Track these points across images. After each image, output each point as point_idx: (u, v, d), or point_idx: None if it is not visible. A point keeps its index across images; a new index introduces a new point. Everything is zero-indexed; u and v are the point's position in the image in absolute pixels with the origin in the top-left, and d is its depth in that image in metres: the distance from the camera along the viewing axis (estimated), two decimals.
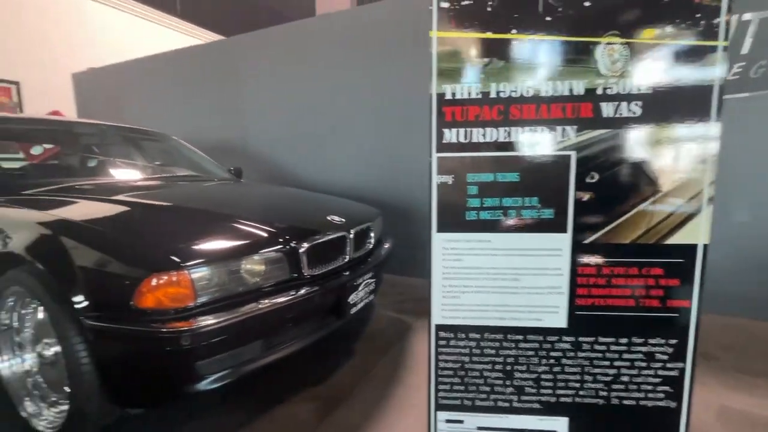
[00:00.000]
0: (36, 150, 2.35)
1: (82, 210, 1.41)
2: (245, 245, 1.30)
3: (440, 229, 0.83)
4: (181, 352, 1.09)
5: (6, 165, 1.90)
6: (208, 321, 1.11)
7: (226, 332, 1.15)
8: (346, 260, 1.64)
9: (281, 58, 3.51)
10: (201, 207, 1.52)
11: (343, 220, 1.71)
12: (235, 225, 1.39)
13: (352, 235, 1.68)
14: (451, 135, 0.80)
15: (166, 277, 1.08)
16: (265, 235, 1.37)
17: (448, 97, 0.79)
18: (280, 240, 1.37)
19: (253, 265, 1.28)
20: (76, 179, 1.89)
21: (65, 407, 1.26)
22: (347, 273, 1.61)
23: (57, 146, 2.14)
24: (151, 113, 4.35)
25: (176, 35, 8.33)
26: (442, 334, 0.86)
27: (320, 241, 1.50)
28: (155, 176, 2.25)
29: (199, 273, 1.14)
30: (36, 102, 5.99)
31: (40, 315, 1.30)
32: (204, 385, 1.17)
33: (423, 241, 2.83)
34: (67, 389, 1.23)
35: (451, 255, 0.83)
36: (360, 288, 1.67)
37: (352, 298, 1.62)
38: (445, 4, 0.75)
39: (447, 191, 0.81)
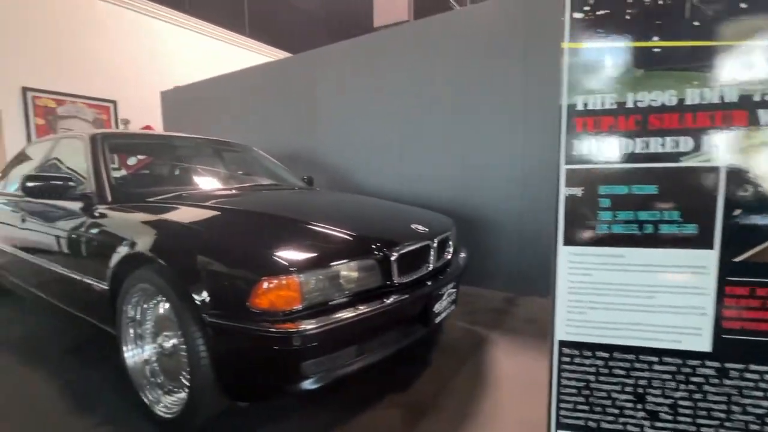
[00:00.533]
0: (131, 161, 2.64)
1: (197, 216, 1.56)
2: (343, 252, 1.35)
3: (567, 242, 0.81)
4: (291, 351, 1.16)
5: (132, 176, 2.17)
6: (315, 323, 1.17)
7: (329, 335, 1.20)
8: (429, 269, 1.65)
9: (352, 71, 3.64)
10: (295, 214, 1.61)
11: (427, 229, 1.72)
12: (331, 232, 1.46)
13: (435, 245, 1.69)
14: (581, 146, 0.78)
15: (278, 281, 1.16)
16: (360, 242, 1.42)
17: (580, 108, 0.77)
18: (373, 248, 1.42)
19: (350, 272, 1.33)
20: (186, 188, 2.10)
21: (181, 395, 1.39)
22: (431, 282, 1.62)
23: (168, 158, 2.39)
24: (228, 126, 4.69)
25: (246, 53, 8.95)
26: (566, 350, 0.84)
27: (409, 249, 1.52)
28: (245, 185, 2.43)
29: (306, 278, 1.21)
30: (130, 117, 6.72)
31: (161, 310, 1.44)
32: (306, 384, 1.23)
33: (492, 250, 2.76)
34: (183, 379, 1.36)
35: (579, 269, 0.80)
36: (444, 297, 1.67)
37: (437, 308, 1.62)
38: (579, 15, 0.74)
39: (576, 203, 0.79)
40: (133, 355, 1.54)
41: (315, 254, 1.28)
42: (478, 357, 1.95)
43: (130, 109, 6.78)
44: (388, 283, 1.42)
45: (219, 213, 1.60)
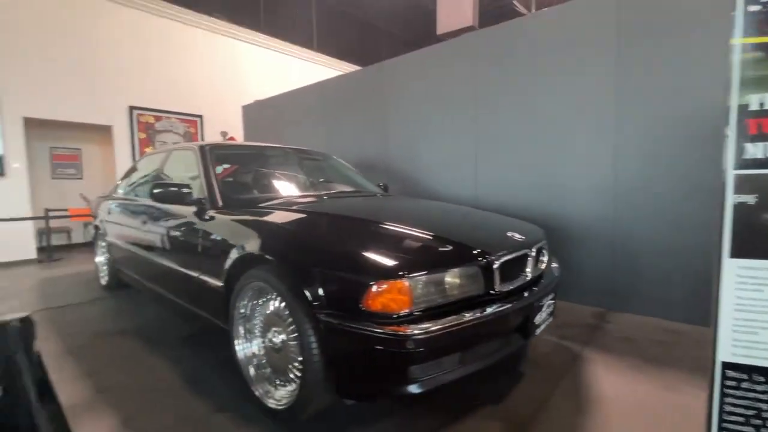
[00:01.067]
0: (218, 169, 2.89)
1: (305, 220, 1.67)
2: (448, 259, 1.36)
3: (735, 255, 0.74)
4: (402, 354, 1.18)
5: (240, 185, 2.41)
6: (425, 328, 1.18)
7: (438, 341, 1.21)
8: (527, 279, 1.60)
9: (424, 81, 3.68)
10: (397, 221, 1.65)
11: (523, 237, 1.67)
12: (434, 239, 1.48)
13: (533, 253, 1.64)
14: (756, 150, 0.71)
15: (391, 285, 1.19)
16: (462, 250, 1.42)
17: (754, 108, 0.71)
18: (476, 255, 1.41)
19: (455, 279, 1.33)
20: (283, 194, 2.27)
21: (289, 388, 1.47)
22: (530, 292, 1.57)
23: (264, 166, 2.60)
24: (305, 136, 4.96)
25: (314, 66, 9.43)
26: (731, 373, 0.76)
27: (510, 257, 1.49)
28: (333, 191, 2.55)
29: (416, 282, 1.23)
30: (212, 130, 7.38)
31: (271, 307, 1.55)
32: (412, 388, 1.25)
33: (579, 262, 2.61)
34: (291, 373, 1.44)
35: (750, 285, 0.73)
36: (543, 308, 1.61)
37: (537, 319, 1.56)
38: (755, 8, 0.68)
39: (748, 212, 0.72)
40: (243, 348, 1.67)
41: (424, 260, 1.31)
42: (574, 374, 1.84)
43: (214, 122, 7.44)
44: (490, 291, 1.40)
45: (323, 217, 1.70)
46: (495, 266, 1.41)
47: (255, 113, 6.04)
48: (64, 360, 2.09)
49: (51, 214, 5.56)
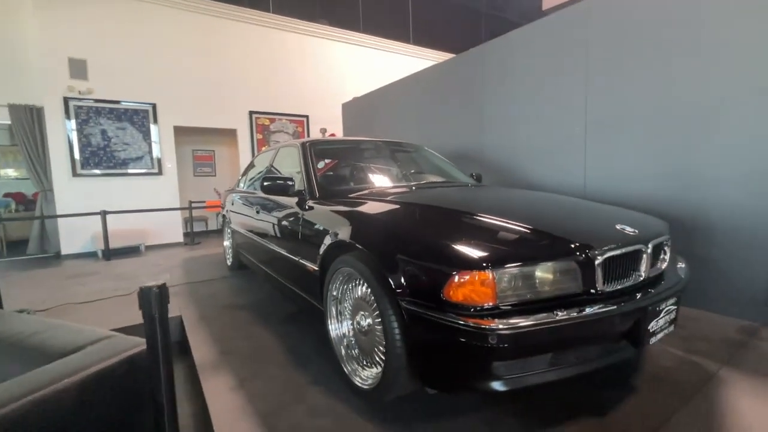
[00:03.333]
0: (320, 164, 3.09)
1: (393, 209, 1.72)
2: (539, 251, 1.26)
3: None
4: (483, 348, 1.13)
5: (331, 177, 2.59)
6: (510, 323, 1.11)
7: (525, 338, 1.13)
8: (641, 279, 1.39)
9: (520, 63, 3.41)
10: (486, 211, 1.58)
11: (636, 231, 1.45)
12: (525, 230, 1.38)
13: (649, 250, 1.41)
14: None
15: (472, 275, 1.15)
16: (558, 242, 1.30)
17: None
18: (573, 249, 1.27)
19: (547, 273, 1.22)
20: (375, 185, 2.36)
21: (374, 370, 1.53)
22: (643, 294, 1.36)
23: (358, 159, 2.75)
24: (401, 128, 5.05)
25: (411, 59, 9.49)
26: None
27: (616, 253, 1.31)
28: (425, 182, 2.56)
29: (500, 275, 1.16)
30: (318, 128, 7.99)
31: (358, 292, 1.63)
32: (496, 385, 1.19)
33: (721, 265, 2.15)
34: (376, 356, 1.49)
35: None
36: (661, 314, 1.38)
37: (653, 326, 1.35)
38: None
39: None
40: (335, 329, 1.80)
41: (510, 251, 1.23)
42: (708, 396, 1.54)
43: (318, 120, 8.05)
44: (591, 290, 1.25)
45: (411, 207, 1.72)
46: (597, 262, 1.25)
47: (353, 110, 6.35)
48: (200, 325, 2.51)
49: (194, 206, 6.71)
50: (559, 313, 1.15)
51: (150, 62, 6.24)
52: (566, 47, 3.04)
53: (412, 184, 2.49)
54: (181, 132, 6.89)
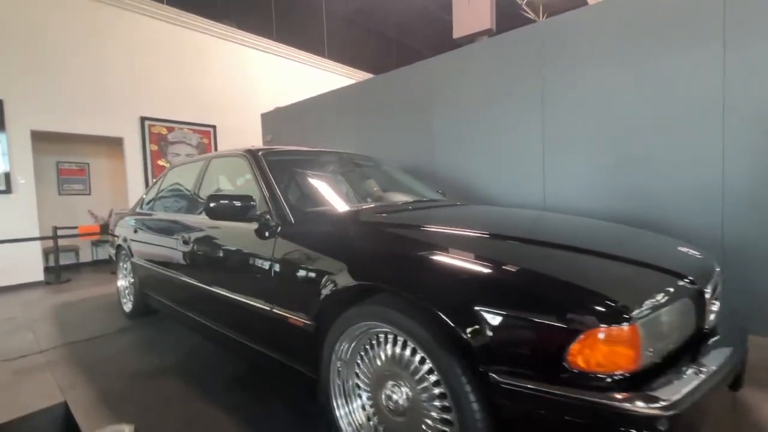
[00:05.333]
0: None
1: (439, 240, 1.30)
2: (670, 291, 0.99)
3: None
4: None
5: None
6: (682, 394, 0.81)
7: (696, 414, 0.84)
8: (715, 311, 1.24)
9: (474, 77, 3.36)
10: (563, 239, 1.29)
11: (703, 257, 1.32)
12: (633, 265, 1.11)
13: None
14: None
15: (613, 332, 0.83)
16: (671, 277, 1.06)
17: None
18: (689, 283, 1.04)
19: (673, 316, 0.97)
20: (358, 204, 1.91)
21: None
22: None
23: (322, 174, 2.25)
24: (335, 141, 4.62)
25: (326, 74, 9.16)
26: None
27: (715, 284, 1.13)
28: (413, 200, 2.20)
29: (647, 325, 0.87)
30: (226, 141, 7.05)
31: (387, 353, 1.19)
32: None
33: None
34: None
35: None
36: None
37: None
38: None
39: None
40: (347, 411, 1.30)
41: (644, 294, 0.94)
42: None
43: (228, 132, 7.12)
44: (700, 329, 1.04)
45: (462, 236, 1.34)
46: (707, 295, 1.05)
47: (275, 121, 5.71)
48: (102, 413, 1.71)
49: (60, 232, 5.19)
50: (704, 368, 0.90)
51: None
52: (522, 65, 3.06)
53: (404, 202, 2.13)
54: (41, 139, 5.35)
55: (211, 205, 1.67)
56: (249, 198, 1.70)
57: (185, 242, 2.16)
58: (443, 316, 0.98)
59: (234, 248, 1.81)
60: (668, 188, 2.43)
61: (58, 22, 5.23)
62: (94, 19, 5.57)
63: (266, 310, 1.55)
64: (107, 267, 6.08)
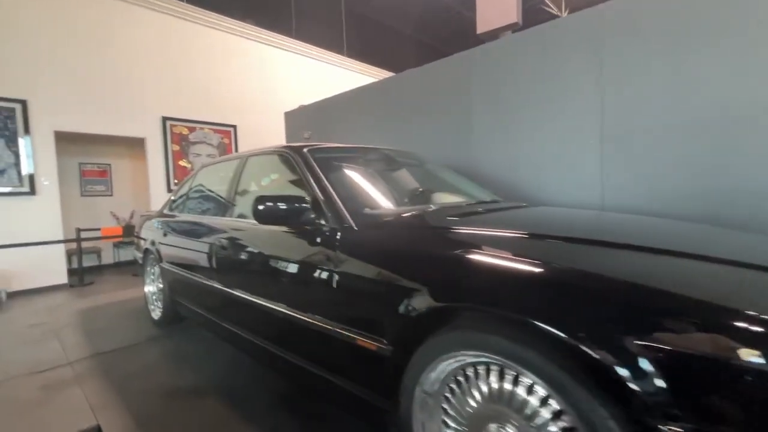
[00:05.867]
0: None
1: (565, 252, 1.08)
2: None
3: None
4: None
5: None
6: None
7: None
8: None
9: (521, 69, 3.12)
10: (699, 249, 1.07)
11: None
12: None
13: None
14: None
15: None
16: None
17: None
18: None
19: None
20: (420, 206, 1.70)
21: None
22: None
23: (374, 172, 2.04)
24: (364, 139, 4.43)
25: (346, 72, 9.01)
26: None
27: None
28: (482, 200, 1.99)
29: None
30: (246, 141, 6.93)
31: (491, 387, 0.97)
32: None
33: None
34: None
35: None
36: None
37: None
38: None
39: None
40: None
41: None
42: None
43: (248, 132, 7.01)
44: None
45: (575, 246, 1.12)
46: None
47: (299, 119, 5.55)
48: None
49: (83, 234, 5.12)
50: None
51: (22, 47, 4.67)
52: (576, 49, 2.81)
53: (469, 203, 1.92)
54: (63, 139, 5.30)
55: (260, 207, 1.48)
56: (303, 200, 1.51)
57: (223, 247, 1.98)
58: (589, 351, 0.76)
59: (284, 256, 1.61)
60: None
61: (81, 21, 5.16)
62: (117, 19, 5.50)
63: (326, 327, 1.36)
64: (129, 269, 6.01)
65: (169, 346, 2.52)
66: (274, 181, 2.16)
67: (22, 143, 4.67)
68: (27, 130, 4.71)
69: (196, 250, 2.26)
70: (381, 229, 1.39)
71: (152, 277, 3.05)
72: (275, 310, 1.61)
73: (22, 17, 4.68)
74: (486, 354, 0.95)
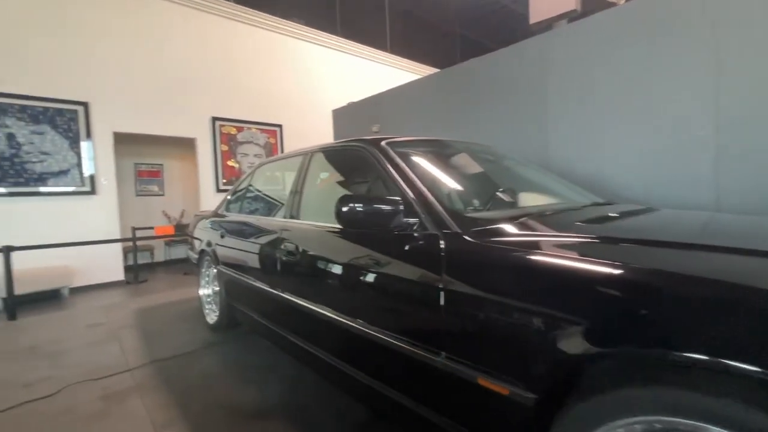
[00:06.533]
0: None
1: None
2: None
3: None
4: None
5: None
6: None
7: None
8: None
9: (613, 50, 2.73)
10: None
11: None
12: None
13: None
14: None
15: None
16: None
17: None
18: None
19: None
20: (522, 207, 1.42)
21: None
22: None
23: (459, 168, 1.78)
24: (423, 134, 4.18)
25: (391, 70, 8.79)
26: None
27: None
28: (603, 203, 1.68)
29: None
30: (293, 140, 6.88)
31: None
32: None
33: None
34: None
35: None
36: None
37: None
38: None
39: None
40: None
41: None
42: None
43: (293, 131, 6.95)
44: None
45: None
46: None
47: (347, 117, 5.38)
48: None
49: (138, 233, 5.22)
50: None
51: (83, 50, 4.81)
52: (686, 23, 2.39)
53: (587, 204, 1.62)
54: (120, 141, 5.43)
55: (344, 209, 1.26)
56: (397, 202, 1.27)
57: (289, 252, 1.79)
58: None
59: (367, 265, 1.38)
60: None
61: (138, 24, 5.26)
62: (170, 20, 5.57)
63: (429, 358, 1.10)
64: (179, 267, 6.10)
65: (227, 354, 2.38)
66: (343, 179, 1.95)
67: (84, 144, 4.80)
68: (88, 132, 4.84)
69: (257, 253, 2.09)
70: (499, 236, 1.11)
71: (207, 279, 2.95)
72: (353, 327, 1.38)
73: (83, 20, 4.81)
74: (679, 418, 0.66)
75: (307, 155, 2.09)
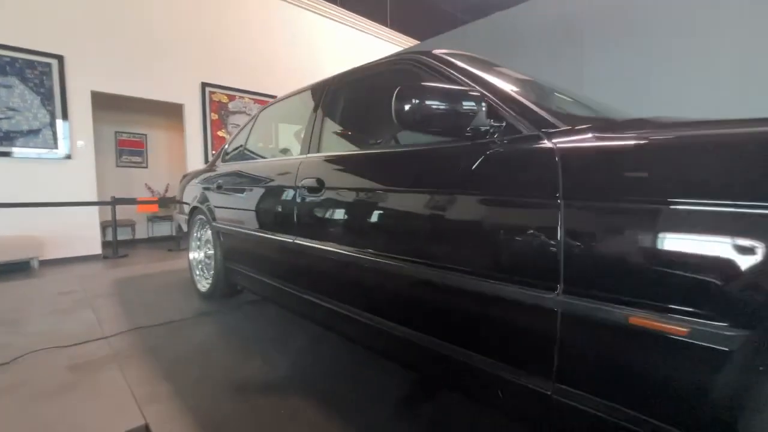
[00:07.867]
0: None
1: None
2: None
3: None
4: None
5: None
6: None
7: None
8: None
9: None
10: None
11: None
12: None
13: None
14: None
15: None
16: None
17: None
18: None
19: None
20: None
21: None
22: None
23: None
24: None
25: (391, 46, 8.41)
26: None
27: None
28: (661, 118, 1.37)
29: None
30: None
31: None
32: None
33: None
34: None
35: None
36: None
37: None
38: None
39: None
40: None
41: None
42: None
43: None
44: None
45: None
46: None
47: None
48: None
49: (120, 202, 4.77)
50: None
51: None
52: None
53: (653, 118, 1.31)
54: (100, 104, 4.94)
55: (406, 107, 0.93)
56: (478, 97, 0.94)
57: (310, 189, 1.44)
58: None
59: (437, 183, 1.05)
60: None
61: None
62: None
63: (542, 297, 0.79)
64: (163, 244, 5.66)
65: (224, 323, 2.03)
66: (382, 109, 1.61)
67: (58, 103, 4.31)
68: (63, 89, 4.34)
69: (266, 201, 1.74)
70: (618, 131, 0.80)
71: (198, 242, 2.58)
72: (424, 271, 1.05)
73: None
74: None
75: (323, 87, 1.73)
